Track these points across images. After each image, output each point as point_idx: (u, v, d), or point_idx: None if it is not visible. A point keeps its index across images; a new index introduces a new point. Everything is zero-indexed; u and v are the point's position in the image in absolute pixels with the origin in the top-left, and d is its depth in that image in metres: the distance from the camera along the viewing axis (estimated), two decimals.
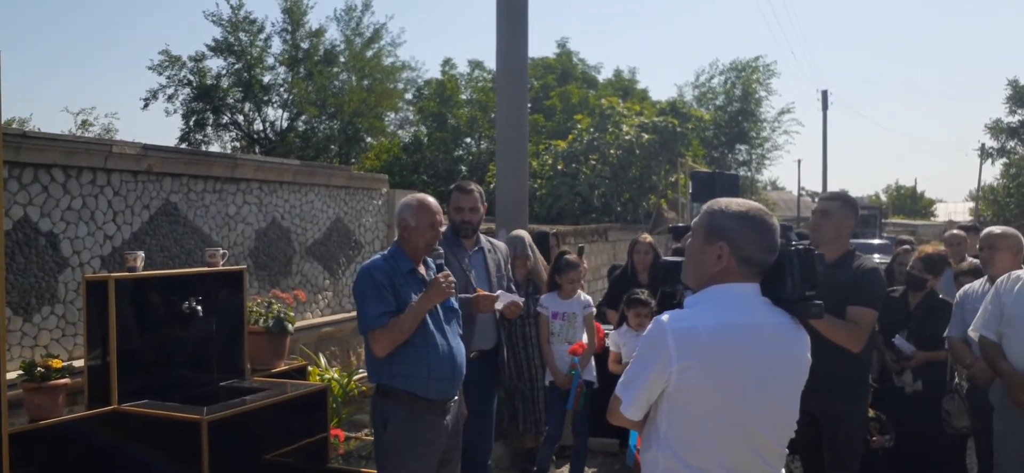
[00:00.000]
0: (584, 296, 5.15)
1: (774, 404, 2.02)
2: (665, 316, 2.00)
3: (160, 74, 24.98)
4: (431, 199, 3.37)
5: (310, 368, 5.33)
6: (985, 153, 41.49)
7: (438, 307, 3.28)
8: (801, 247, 2.05)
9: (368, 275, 3.21)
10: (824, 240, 3.68)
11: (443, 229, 4.22)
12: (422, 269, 3.35)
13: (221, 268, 4.64)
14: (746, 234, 2.02)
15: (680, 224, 3.01)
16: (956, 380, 4.68)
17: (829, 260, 3.67)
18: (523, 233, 5.50)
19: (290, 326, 4.96)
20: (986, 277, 4.37)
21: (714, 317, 1.97)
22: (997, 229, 4.50)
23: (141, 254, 4.24)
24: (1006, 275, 3.90)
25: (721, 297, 2.02)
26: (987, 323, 3.84)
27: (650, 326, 2.03)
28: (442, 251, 3.40)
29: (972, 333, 3.96)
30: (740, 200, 2.11)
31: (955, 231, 7.21)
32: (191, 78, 25.24)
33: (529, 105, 25.26)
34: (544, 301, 5.04)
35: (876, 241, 23.50)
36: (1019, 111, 38.35)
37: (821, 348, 3.52)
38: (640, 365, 2.02)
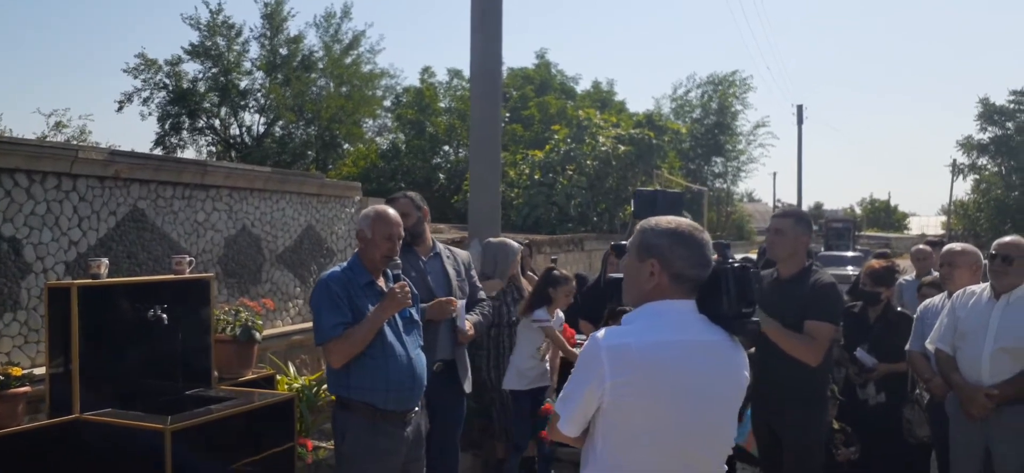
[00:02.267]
0: (560, 314, 5.17)
1: (708, 421, 2.03)
2: (600, 333, 2.02)
3: (136, 77, 24.86)
4: (391, 210, 3.36)
5: (279, 377, 5.30)
6: (957, 169, 42.24)
7: (397, 318, 3.28)
8: (737, 264, 2.08)
9: (325, 286, 3.20)
10: (780, 257, 3.74)
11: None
12: (381, 281, 3.34)
13: (188, 276, 4.61)
14: (676, 250, 2.03)
15: (623, 242, 3.04)
16: (916, 390, 4.77)
17: (786, 276, 3.73)
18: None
19: (258, 334, 4.93)
20: (945, 292, 4.46)
21: (648, 334, 1.98)
22: (957, 246, 4.61)
23: (105, 261, 4.20)
24: (962, 290, 4.00)
25: (656, 314, 2.03)
26: (943, 336, 3.93)
27: (586, 343, 2.05)
28: (400, 262, 3.39)
29: (929, 346, 4.05)
30: (671, 218, 2.12)
31: (921, 246, 7.37)
32: (167, 82, 25.11)
33: (508, 115, 25.22)
34: (540, 316, 4.96)
35: (849, 254, 23.84)
36: (990, 128, 39.09)
37: (780, 362, 3.60)
38: (576, 382, 2.03)
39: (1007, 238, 3.91)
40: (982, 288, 3.92)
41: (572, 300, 5.13)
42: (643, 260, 2.07)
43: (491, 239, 5.71)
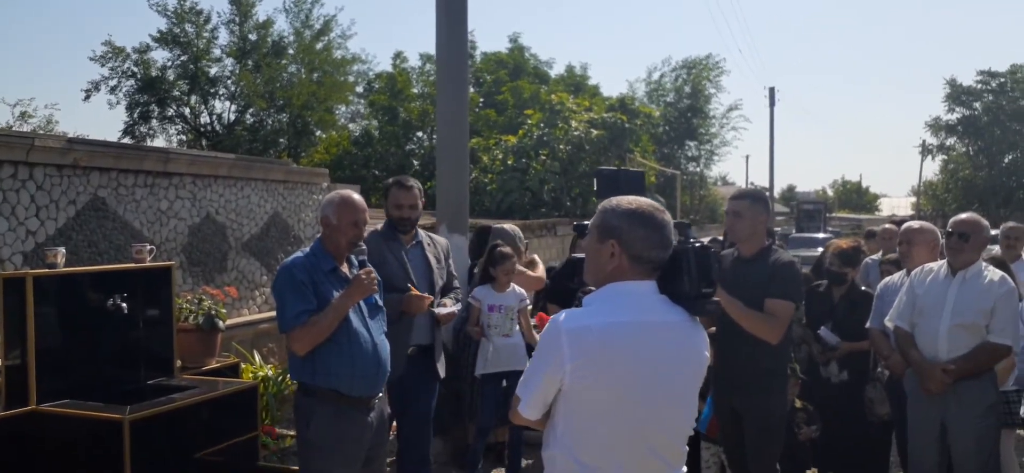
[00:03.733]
0: (518, 289, 5.15)
1: (669, 402, 2.02)
2: (561, 315, 2.01)
3: (103, 65, 24.43)
4: (355, 196, 3.32)
5: (244, 365, 5.26)
6: (926, 149, 42.80)
7: (362, 304, 3.26)
8: (698, 245, 2.07)
9: (288, 273, 3.16)
10: (740, 239, 3.75)
11: (379, 226, 4.22)
12: (345, 267, 3.31)
13: (148, 264, 4.54)
14: (635, 231, 2.02)
15: (584, 222, 3.03)
16: (878, 369, 4.82)
17: (747, 255, 3.75)
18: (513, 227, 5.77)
19: (221, 323, 4.88)
20: (904, 270, 4.51)
21: (608, 315, 1.97)
22: (915, 224, 4.66)
23: (61, 250, 4.12)
24: (919, 268, 4.05)
25: (617, 295, 2.02)
26: (901, 314, 3.98)
27: (547, 325, 2.04)
28: (365, 248, 3.37)
29: (888, 323, 4.10)
30: (632, 198, 2.11)
31: (887, 226, 7.48)
32: (135, 70, 24.71)
33: (481, 100, 25.01)
34: (477, 293, 5.02)
35: (821, 235, 24.10)
36: (958, 109, 39.62)
37: (741, 341, 3.63)
38: (536, 365, 2.03)
39: (963, 215, 3.97)
40: (939, 265, 3.97)
41: (513, 277, 5.11)
42: (603, 241, 2.05)
43: (504, 225, 5.88)
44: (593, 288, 2.19)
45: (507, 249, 5.07)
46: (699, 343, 2.09)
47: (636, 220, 2.03)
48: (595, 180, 6.18)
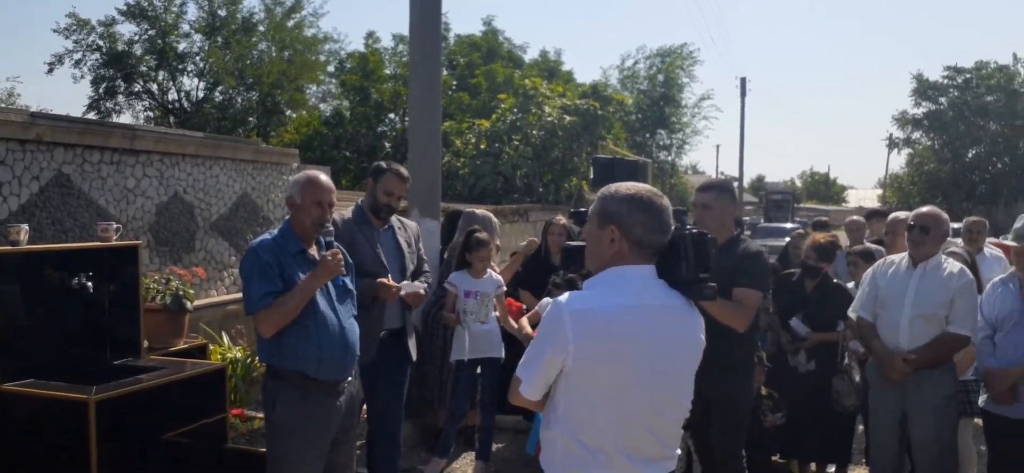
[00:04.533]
0: (495, 275, 5.15)
1: (668, 384, 2.07)
2: (563, 297, 2.03)
3: (67, 38, 23.94)
4: (321, 176, 3.30)
5: (212, 347, 5.22)
6: (892, 143, 43.54)
7: (330, 286, 3.24)
8: (695, 231, 2.11)
9: (254, 254, 3.14)
10: (709, 230, 3.79)
11: (350, 210, 4.20)
12: (313, 249, 3.29)
13: (114, 243, 4.48)
14: (635, 216, 2.05)
15: (582, 209, 3.08)
16: (846, 361, 4.92)
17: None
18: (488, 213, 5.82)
19: (189, 303, 4.83)
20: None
21: (610, 298, 2.01)
22: (901, 214, 4.75)
23: (25, 227, 4.05)
24: (882, 259, 4.13)
25: (617, 279, 2.05)
26: (864, 304, 4.06)
27: (549, 307, 2.06)
28: (332, 229, 3.35)
29: (851, 314, 4.17)
30: (631, 184, 2.14)
31: (854, 217, 7.60)
32: (100, 43, 24.25)
33: (454, 83, 24.82)
34: (453, 279, 5.02)
35: (788, 225, 24.47)
36: (924, 104, 40.33)
37: (709, 329, 3.66)
38: (539, 346, 2.05)
39: (924, 209, 4.05)
40: (901, 257, 4.05)
41: (490, 263, 5.12)
42: (603, 227, 2.08)
43: (475, 210, 5.90)
44: (572, 274, 2.21)
45: (484, 235, 5.06)
46: (696, 327, 2.15)
47: (636, 205, 2.07)
48: (592, 168, 6.21)
